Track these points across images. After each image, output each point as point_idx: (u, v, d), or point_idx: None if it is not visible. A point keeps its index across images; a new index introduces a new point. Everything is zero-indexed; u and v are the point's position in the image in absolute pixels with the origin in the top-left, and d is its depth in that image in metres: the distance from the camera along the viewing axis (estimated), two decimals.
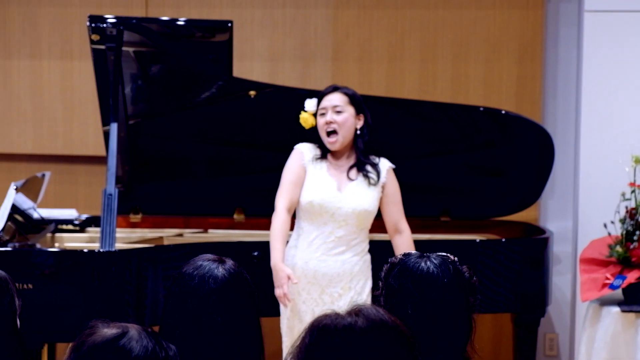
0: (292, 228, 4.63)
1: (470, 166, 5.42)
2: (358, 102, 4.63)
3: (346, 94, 4.62)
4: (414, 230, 4.75)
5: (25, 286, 4.41)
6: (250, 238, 5.09)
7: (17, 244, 4.73)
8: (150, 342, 1.99)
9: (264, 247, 4.43)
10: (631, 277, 4.98)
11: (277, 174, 4.60)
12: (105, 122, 5.15)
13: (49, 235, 5.29)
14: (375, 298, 2.51)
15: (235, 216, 5.50)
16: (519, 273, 5.01)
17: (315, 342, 1.99)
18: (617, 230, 5.16)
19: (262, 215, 5.06)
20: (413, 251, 4.50)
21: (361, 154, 4.59)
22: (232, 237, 5.31)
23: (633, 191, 5.17)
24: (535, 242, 5.14)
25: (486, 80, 5.96)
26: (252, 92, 5.20)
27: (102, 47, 4.96)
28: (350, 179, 4.57)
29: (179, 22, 5.26)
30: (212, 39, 5.16)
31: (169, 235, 5.41)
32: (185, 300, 2.43)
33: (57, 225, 5.40)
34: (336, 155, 4.62)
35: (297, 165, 4.58)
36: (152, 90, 5.27)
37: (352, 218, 4.51)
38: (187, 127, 5.36)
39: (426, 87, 5.97)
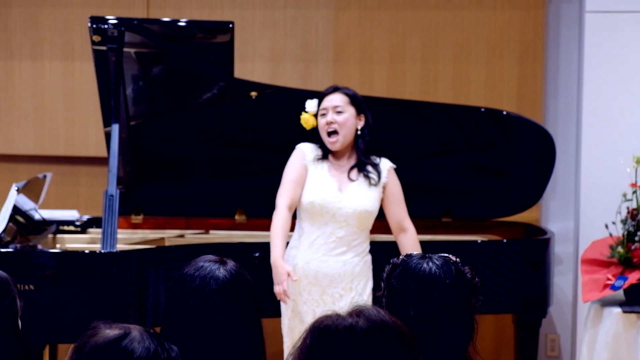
0: (292, 229, 4.63)
1: (472, 167, 5.42)
2: (358, 102, 4.63)
3: (347, 94, 4.62)
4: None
5: (26, 287, 4.41)
6: (251, 239, 5.09)
7: (18, 245, 4.73)
8: (152, 343, 1.99)
9: (265, 248, 4.43)
10: (632, 277, 4.97)
11: (278, 175, 4.60)
12: (107, 123, 5.15)
13: (50, 236, 5.29)
14: (377, 299, 2.51)
15: (236, 217, 5.50)
16: (520, 274, 5.01)
17: (316, 343, 1.99)
18: (618, 231, 5.16)
19: (263, 216, 5.06)
20: (417, 249, 4.55)
21: (362, 154, 4.60)
22: (234, 238, 5.31)
23: (634, 192, 5.17)
24: (537, 243, 5.14)
25: (487, 81, 5.96)
26: (254, 93, 5.20)
27: (104, 48, 4.96)
28: (351, 180, 4.57)
29: (180, 23, 5.26)
30: (213, 40, 5.17)
31: (170, 236, 5.41)
32: (186, 301, 2.43)
33: (59, 226, 5.40)
34: (337, 155, 4.62)
35: (299, 165, 4.58)
36: (153, 91, 5.27)
37: (353, 218, 4.51)
38: (188, 128, 5.36)
39: (427, 88, 5.97)
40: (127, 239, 5.25)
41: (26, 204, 5.10)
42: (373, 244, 4.66)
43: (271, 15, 6.05)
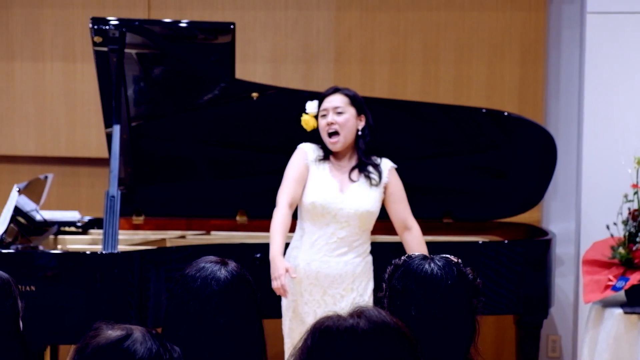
0: (293, 230, 4.63)
1: (473, 168, 5.42)
2: (359, 103, 4.63)
3: (347, 95, 4.62)
4: None
5: (27, 288, 4.41)
6: (252, 240, 5.09)
7: (19, 246, 4.73)
8: (154, 344, 1.99)
9: (266, 249, 4.43)
10: (634, 278, 4.97)
11: (279, 176, 4.61)
12: (108, 124, 5.15)
13: (51, 237, 5.29)
14: (378, 300, 2.51)
15: (237, 218, 5.50)
16: (521, 275, 5.01)
17: (317, 344, 1.98)
18: (619, 232, 5.16)
19: (264, 217, 5.06)
20: (423, 247, 4.55)
21: (363, 154, 4.60)
22: (235, 239, 5.31)
23: (636, 192, 5.17)
24: (538, 244, 5.14)
25: (488, 82, 5.96)
26: (255, 94, 5.20)
27: (105, 49, 4.96)
28: (352, 180, 4.57)
29: (182, 24, 5.26)
30: (214, 41, 5.17)
31: (171, 237, 5.41)
32: (187, 302, 2.43)
33: (60, 227, 5.40)
34: (338, 156, 4.62)
35: (301, 164, 4.58)
36: (154, 92, 5.28)
37: (354, 219, 4.51)
38: (189, 129, 5.37)
39: (428, 89, 5.97)
40: (129, 239, 5.25)
41: (27, 205, 5.10)
42: (374, 244, 4.66)
43: (272, 16, 6.05)
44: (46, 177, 5.45)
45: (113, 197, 4.67)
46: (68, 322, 4.44)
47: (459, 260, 2.50)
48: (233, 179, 5.50)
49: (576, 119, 5.90)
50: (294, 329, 4.50)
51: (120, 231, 4.94)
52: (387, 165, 4.64)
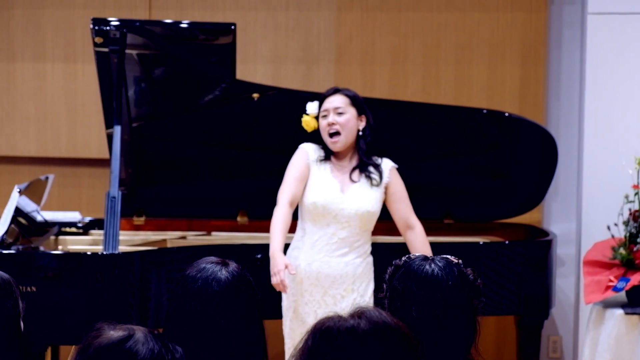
0: (294, 230, 4.63)
1: (473, 168, 5.42)
2: (359, 103, 4.63)
3: (347, 95, 4.63)
4: None
5: (28, 289, 4.41)
6: (253, 241, 5.09)
7: (20, 247, 4.73)
8: (156, 345, 1.99)
9: (267, 250, 4.43)
10: (634, 279, 4.97)
11: (280, 177, 4.61)
12: (109, 124, 5.15)
13: (52, 238, 5.29)
14: (379, 300, 2.51)
15: (238, 219, 5.50)
16: (522, 275, 5.00)
17: (317, 345, 1.99)
18: (620, 233, 5.15)
19: (265, 218, 5.06)
20: (426, 246, 4.55)
21: (363, 154, 4.60)
22: (236, 239, 5.31)
23: (636, 193, 5.17)
24: (539, 245, 5.14)
25: (489, 83, 5.96)
26: (255, 95, 5.20)
27: (106, 49, 4.96)
28: (353, 181, 4.57)
29: (183, 25, 5.27)
30: (215, 42, 5.17)
31: (172, 237, 5.41)
32: (188, 303, 2.43)
33: (61, 228, 5.40)
34: (339, 156, 4.63)
35: (302, 163, 4.59)
36: (155, 93, 5.28)
37: (355, 219, 4.51)
38: (190, 130, 5.37)
39: (429, 90, 5.97)
40: (129, 240, 5.25)
41: (28, 205, 5.10)
42: (375, 245, 4.66)
43: (273, 16, 6.05)
44: (47, 178, 5.45)
45: (114, 197, 4.67)
46: (69, 323, 4.44)
47: (460, 261, 2.50)
48: (234, 180, 5.50)
49: (577, 120, 5.90)
50: (294, 329, 4.50)
51: (121, 232, 4.94)
52: (387, 165, 4.64)
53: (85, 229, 5.50)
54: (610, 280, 5.01)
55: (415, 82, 5.99)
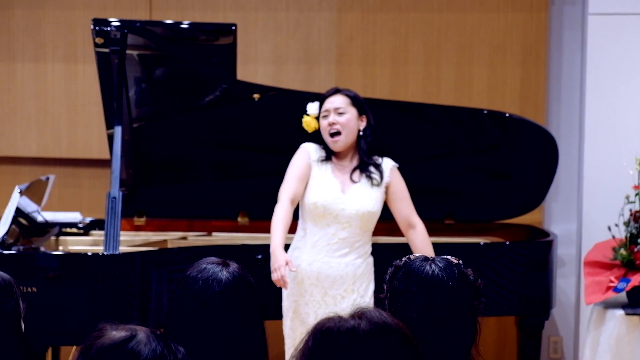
0: (294, 230, 4.64)
1: (474, 169, 5.42)
2: (360, 103, 4.64)
3: (348, 95, 4.63)
4: None
5: (29, 289, 4.41)
6: (254, 241, 5.09)
7: (21, 247, 4.73)
8: (158, 345, 1.99)
9: (268, 251, 4.43)
10: (635, 280, 4.97)
11: (280, 177, 4.61)
12: (109, 125, 5.16)
13: (53, 238, 5.29)
14: (380, 301, 2.51)
15: (239, 219, 5.50)
16: (523, 276, 5.00)
17: (318, 345, 1.99)
18: (621, 233, 5.16)
19: (266, 219, 5.06)
20: (428, 245, 4.55)
21: (364, 154, 4.60)
22: (236, 240, 5.31)
23: (637, 194, 5.16)
24: (540, 245, 5.14)
25: (490, 83, 5.96)
26: (256, 95, 5.20)
27: (106, 50, 4.96)
28: (354, 181, 4.57)
29: (183, 25, 5.27)
30: (216, 42, 5.17)
31: (173, 238, 5.41)
32: (189, 304, 2.43)
33: (61, 228, 5.40)
34: (340, 156, 4.63)
35: (304, 163, 4.59)
36: (156, 94, 5.28)
37: (356, 220, 4.51)
38: (191, 131, 5.37)
39: (430, 90, 5.97)
40: (130, 241, 5.25)
41: (29, 206, 5.10)
42: (375, 245, 4.66)
43: (274, 17, 6.05)
44: (47, 178, 5.45)
45: (114, 198, 4.67)
46: (69, 323, 4.45)
47: (460, 262, 2.50)
48: (234, 180, 5.50)
49: (577, 120, 5.90)
50: (294, 329, 4.50)
51: (122, 232, 4.94)
52: (388, 164, 4.64)
53: (86, 230, 5.51)
54: (611, 281, 5.01)
55: (416, 82, 5.99)
